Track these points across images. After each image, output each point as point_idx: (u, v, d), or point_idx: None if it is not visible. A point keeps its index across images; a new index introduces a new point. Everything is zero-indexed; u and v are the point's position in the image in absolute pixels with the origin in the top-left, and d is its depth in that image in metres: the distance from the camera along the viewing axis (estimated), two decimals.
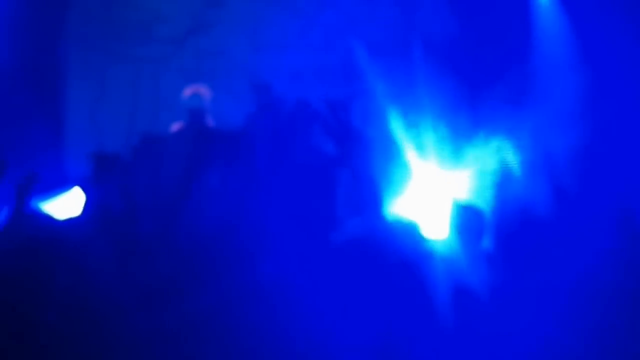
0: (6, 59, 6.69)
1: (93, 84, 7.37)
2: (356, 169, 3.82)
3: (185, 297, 2.92)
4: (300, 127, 5.05)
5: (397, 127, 5.32)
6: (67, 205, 5.09)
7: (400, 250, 3.41)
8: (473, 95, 6.52)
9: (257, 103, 6.68)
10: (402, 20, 7.17)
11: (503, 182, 4.50)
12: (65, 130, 7.13)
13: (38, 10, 6.98)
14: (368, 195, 3.98)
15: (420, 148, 5.39)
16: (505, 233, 3.59)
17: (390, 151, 5.17)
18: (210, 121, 6.34)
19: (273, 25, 7.30)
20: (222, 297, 2.93)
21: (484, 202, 4.27)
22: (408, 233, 3.58)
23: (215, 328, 2.88)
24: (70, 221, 4.52)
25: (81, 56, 7.30)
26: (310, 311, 3.02)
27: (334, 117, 4.11)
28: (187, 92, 6.36)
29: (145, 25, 7.40)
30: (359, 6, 7.22)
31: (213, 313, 2.91)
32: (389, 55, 6.81)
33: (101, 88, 7.36)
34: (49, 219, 4.22)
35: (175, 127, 6.35)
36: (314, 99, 4.58)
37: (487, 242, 3.64)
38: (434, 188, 5.09)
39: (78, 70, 7.31)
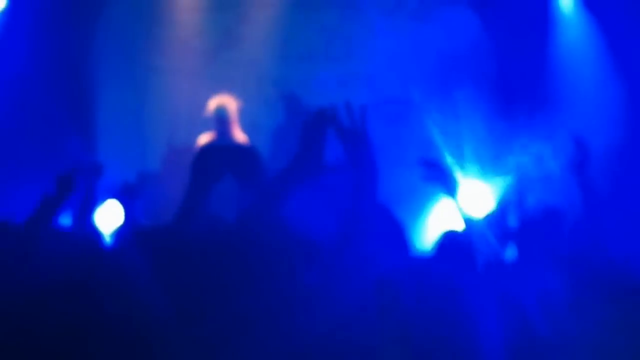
0: (41, 74, 6.62)
1: (131, 96, 7.31)
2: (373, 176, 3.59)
3: (232, 301, 2.74)
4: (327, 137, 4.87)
5: (435, 134, 5.16)
6: (104, 218, 5.02)
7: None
8: (510, 102, 6.34)
9: (286, 111, 6.58)
10: (424, 30, 6.99)
11: (541, 188, 4.32)
12: (102, 144, 7.06)
13: (73, 24, 6.90)
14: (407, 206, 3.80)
15: (459, 156, 5.21)
16: (543, 239, 3.41)
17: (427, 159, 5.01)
18: (238, 130, 6.23)
19: (300, 38, 7.20)
20: (270, 303, 2.72)
21: (522, 208, 4.08)
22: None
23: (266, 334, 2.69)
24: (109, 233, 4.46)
25: (119, 69, 7.26)
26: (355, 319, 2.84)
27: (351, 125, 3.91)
28: (212, 103, 6.24)
29: (180, 39, 7.34)
30: (382, 17, 7.07)
31: (264, 318, 2.72)
32: (423, 64, 6.66)
33: (141, 100, 7.29)
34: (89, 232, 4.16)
35: (202, 138, 6.25)
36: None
37: (525, 248, 3.46)
38: (474, 196, 4.91)
39: (116, 83, 7.26)
